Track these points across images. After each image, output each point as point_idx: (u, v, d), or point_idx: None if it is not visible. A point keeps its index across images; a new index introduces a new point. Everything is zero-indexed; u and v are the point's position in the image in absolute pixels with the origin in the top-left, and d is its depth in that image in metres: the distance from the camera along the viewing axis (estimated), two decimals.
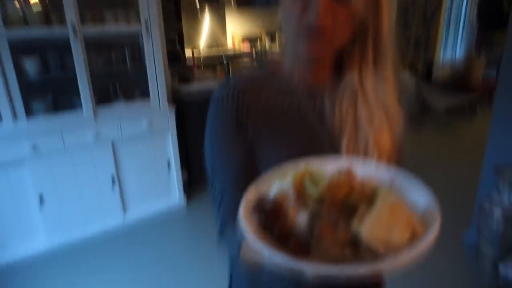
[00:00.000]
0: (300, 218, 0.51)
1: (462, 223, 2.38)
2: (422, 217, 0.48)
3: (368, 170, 0.58)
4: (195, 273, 2.18)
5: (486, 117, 2.52)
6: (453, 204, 2.58)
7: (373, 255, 0.45)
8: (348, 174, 0.54)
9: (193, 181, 3.11)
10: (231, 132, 0.61)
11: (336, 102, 0.63)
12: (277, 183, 0.59)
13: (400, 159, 0.66)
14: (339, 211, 0.49)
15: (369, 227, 0.45)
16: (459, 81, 5.12)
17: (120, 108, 2.48)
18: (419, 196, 0.52)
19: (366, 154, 0.60)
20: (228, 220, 0.60)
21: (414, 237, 0.44)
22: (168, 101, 2.67)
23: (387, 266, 0.40)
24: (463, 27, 6.02)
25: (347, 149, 0.60)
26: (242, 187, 0.54)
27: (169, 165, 2.74)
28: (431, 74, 5.39)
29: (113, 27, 2.40)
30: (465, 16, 5.95)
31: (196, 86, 3.05)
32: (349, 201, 0.52)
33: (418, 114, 4.66)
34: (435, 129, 4.75)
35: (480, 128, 4.41)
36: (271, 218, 0.52)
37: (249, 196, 0.57)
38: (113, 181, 2.50)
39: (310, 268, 0.42)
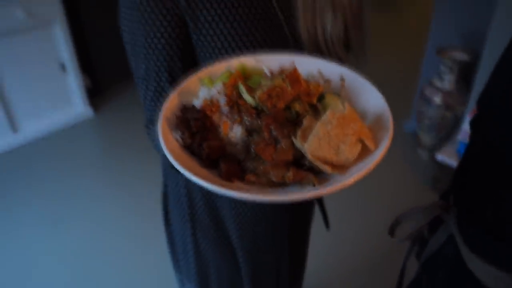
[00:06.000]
0: (233, 134, 0.42)
1: (404, 112, 2.20)
2: (373, 126, 0.42)
3: (316, 65, 0.49)
4: (114, 193, 1.86)
5: None
6: (395, 91, 2.28)
7: (318, 175, 0.38)
8: (292, 76, 0.44)
9: (100, 87, 2.57)
10: (158, 4, 0.49)
11: None
12: (205, 88, 0.47)
13: (362, 22, 0.59)
14: (280, 125, 0.40)
15: (314, 145, 0.37)
16: None
17: None
18: (370, 100, 0.45)
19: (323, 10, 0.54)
20: (153, 115, 0.53)
21: (364, 153, 0.39)
22: None
23: (331, 190, 0.35)
24: None
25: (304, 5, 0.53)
26: (173, 75, 0.52)
27: (63, 68, 2.27)
28: None
29: None
30: None
31: None
32: (292, 112, 0.43)
33: None
34: (375, 3, 3.87)
35: (425, 4, 3.55)
36: (197, 134, 0.41)
37: (169, 104, 0.45)
38: None
39: (243, 196, 0.34)
